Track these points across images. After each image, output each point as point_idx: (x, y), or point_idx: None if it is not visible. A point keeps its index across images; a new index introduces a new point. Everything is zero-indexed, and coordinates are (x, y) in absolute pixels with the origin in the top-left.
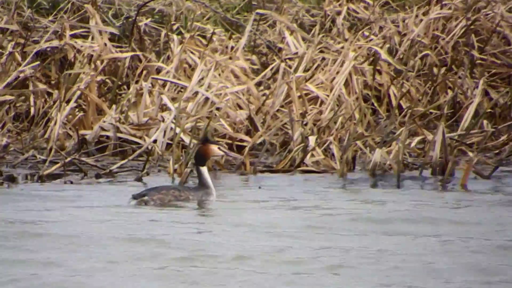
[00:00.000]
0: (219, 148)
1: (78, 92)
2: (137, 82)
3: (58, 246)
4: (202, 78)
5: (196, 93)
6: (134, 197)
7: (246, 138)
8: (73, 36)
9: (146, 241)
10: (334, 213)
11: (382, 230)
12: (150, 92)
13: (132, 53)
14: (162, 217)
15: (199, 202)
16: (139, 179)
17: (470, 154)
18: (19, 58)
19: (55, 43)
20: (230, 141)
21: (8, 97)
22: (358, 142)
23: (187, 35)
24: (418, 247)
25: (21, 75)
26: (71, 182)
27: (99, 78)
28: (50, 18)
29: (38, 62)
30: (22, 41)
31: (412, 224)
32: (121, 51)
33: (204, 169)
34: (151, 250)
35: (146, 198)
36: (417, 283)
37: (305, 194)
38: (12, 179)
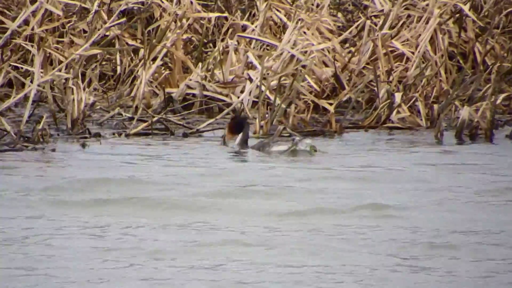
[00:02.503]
0: None
1: (164, 50)
2: (223, 40)
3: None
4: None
5: (282, 51)
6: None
7: (327, 105)
8: None
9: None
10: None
11: None
12: (236, 50)
13: (218, 14)
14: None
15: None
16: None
17: None
18: (105, 17)
19: (141, 1)
20: (316, 99)
21: (95, 51)
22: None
23: None
24: None
25: (108, 33)
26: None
27: (185, 36)
28: None
29: (124, 19)
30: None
31: None
32: (206, 9)
33: None
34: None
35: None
36: None
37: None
38: (99, 137)
